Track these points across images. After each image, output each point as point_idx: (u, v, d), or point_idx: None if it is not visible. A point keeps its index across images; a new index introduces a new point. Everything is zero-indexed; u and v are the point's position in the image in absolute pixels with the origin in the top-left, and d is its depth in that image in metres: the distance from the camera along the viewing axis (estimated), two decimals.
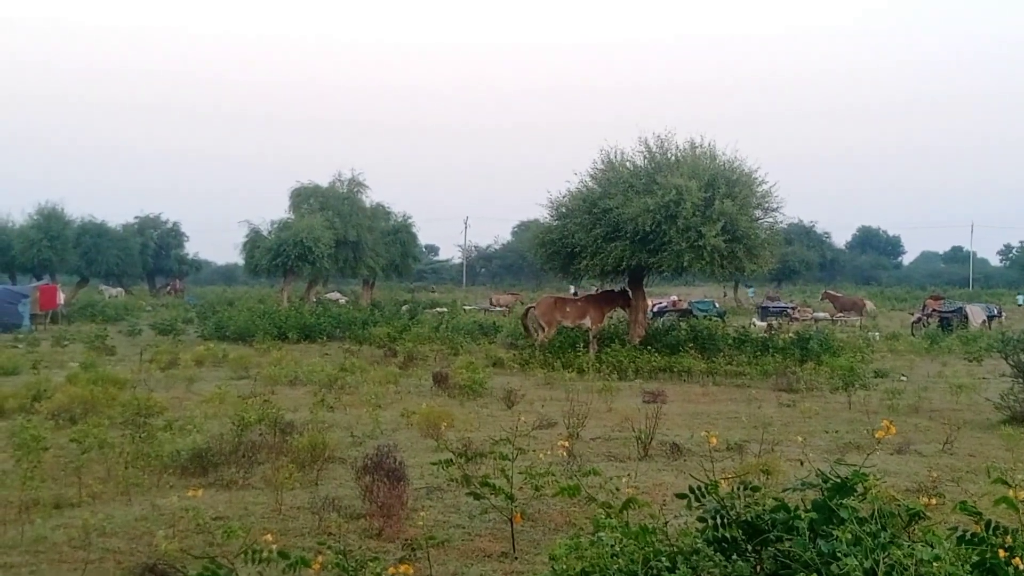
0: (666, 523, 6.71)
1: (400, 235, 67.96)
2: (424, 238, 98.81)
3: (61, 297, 54.80)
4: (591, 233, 30.35)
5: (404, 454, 12.41)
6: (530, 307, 34.70)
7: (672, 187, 28.57)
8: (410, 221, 69.92)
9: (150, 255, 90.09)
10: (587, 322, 31.92)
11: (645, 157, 31.50)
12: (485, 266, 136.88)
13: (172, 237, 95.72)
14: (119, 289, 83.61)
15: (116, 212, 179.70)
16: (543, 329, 32.16)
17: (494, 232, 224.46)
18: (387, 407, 19.33)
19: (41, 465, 11.77)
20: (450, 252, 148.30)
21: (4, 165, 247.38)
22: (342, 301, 65.09)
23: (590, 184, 32.07)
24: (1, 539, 9.85)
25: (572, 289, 61.30)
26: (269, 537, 6.90)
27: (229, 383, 23.34)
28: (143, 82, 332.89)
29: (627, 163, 31.65)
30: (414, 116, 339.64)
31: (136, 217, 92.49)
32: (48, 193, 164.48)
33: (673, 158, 30.98)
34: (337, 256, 60.17)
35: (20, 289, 51.40)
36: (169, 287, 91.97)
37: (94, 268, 75.78)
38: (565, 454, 13.11)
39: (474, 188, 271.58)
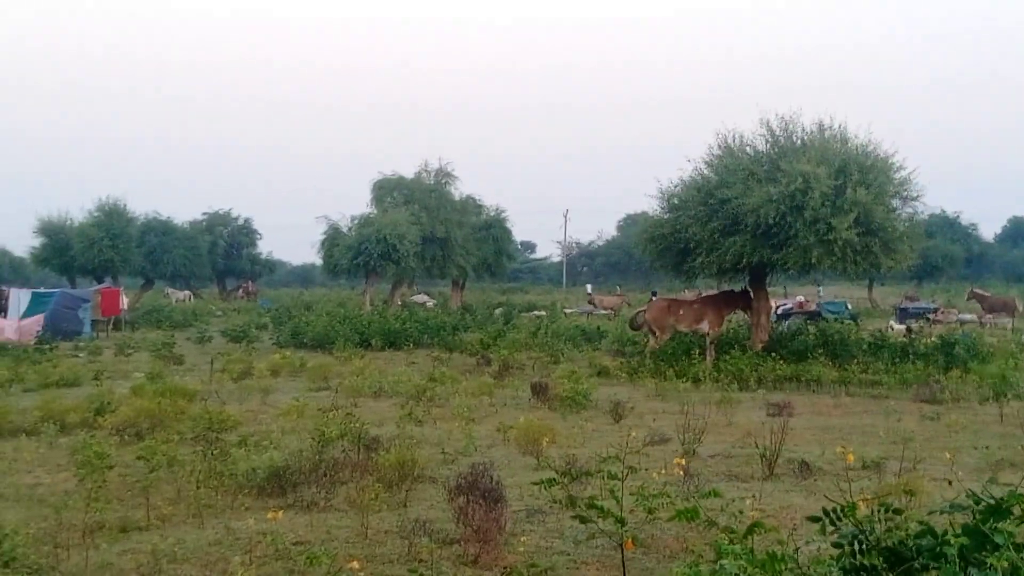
0: (796, 550, 6.65)
1: (493, 230, 68.34)
2: (519, 234, 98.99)
3: (124, 301, 55.75)
4: (707, 227, 30.08)
5: (501, 473, 12.45)
6: (640, 310, 34.61)
7: (798, 174, 28.22)
8: (504, 215, 70.43)
9: (220, 255, 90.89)
10: (704, 326, 31.65)
11: (767, 141, 31.10)
12: (587, 264, 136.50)
13: (243, 235, 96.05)
14: (187, 292, 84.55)
15: (182, 208, 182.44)
16: (654, 335, 32.03)
17: (597, 226, 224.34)
18: (481, 421, 19.45)
19: (106, 485, 12.01)
20: (548, 249, 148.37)
21: (63, 160, 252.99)
22: (430, 304, 65.48)
23: (705, 172, 31.73)
24: (64, 565, 10.03)
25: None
26: (355, 564, 7.00)
27: (308, 395, 23.65)
28: (207, 72, 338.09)
29: (747, 148, 31.25)
30: (507, 100, 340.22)
31: (204, 213, 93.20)
32: (109, 188, 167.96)
33: (799, 142, 30.54)
34: (424, 254, 60.54)
35: (80, 293, 52.47)
36: (241, 290, 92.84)
37: (159, 269, 76.41)
38: (681, 473, 13.04)
39: (575, 178, 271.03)
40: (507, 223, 70.55)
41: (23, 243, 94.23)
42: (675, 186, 32.54)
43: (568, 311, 61.70)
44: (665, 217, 32.66)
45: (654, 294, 52.43)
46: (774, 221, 28.43)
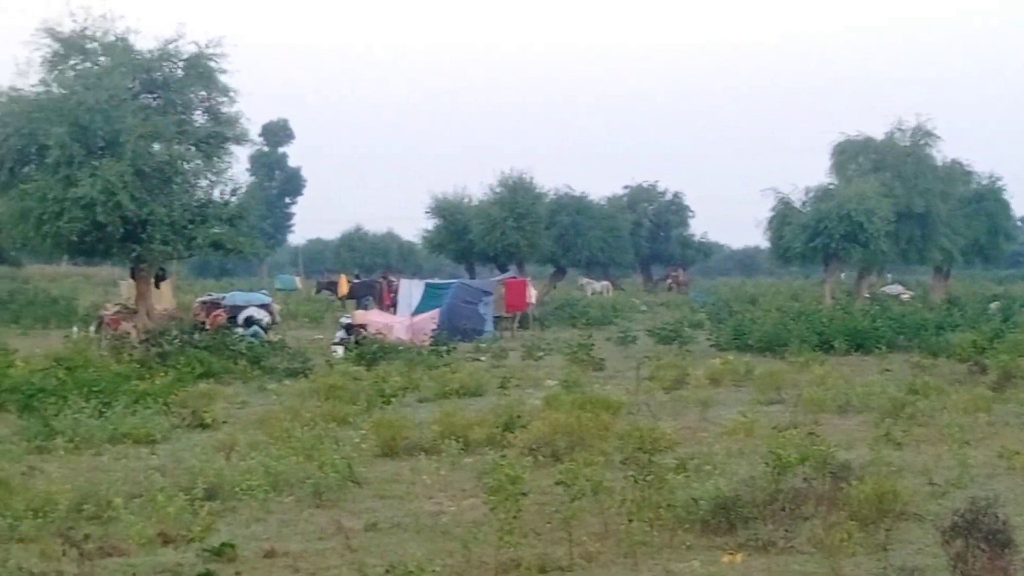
0: None
1: (986, 204, 66.83)
2: (1020, 207, 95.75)
3: (532, 294, 57.06)
4: None
5: (1008, 510, 12.12)
6: None
7: None
8: (1000, 184, 68.68)
9: (644, 237, 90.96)
10: None
11: None
12: None
13: (673, 213, 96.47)
14: (605, 282, 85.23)
15: (599, 182, 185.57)
16: None
17: None
18: (977, 444, 19.05)
19: (520, 515, 12.32)
20: None
21: (458, 130, 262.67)
22: (905, 297, 64.36)
23: None
24: None
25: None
26: None
27: (757, 409, 23.71)
28: (624, 18, 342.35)
29: None
30: (995, 33, 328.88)
31: (625, 187, 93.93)
32: (513, 161, 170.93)
33: None
34: (898, 235, 59.58)
35: (481, 284, 54.17)
36: (670, 279, 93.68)
37: (572, 255, 74.76)
38: None
39: None
40: (1004, 194, 68.92)
41: (414, 225, 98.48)
42: None
43: None
44: None
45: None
46: None
